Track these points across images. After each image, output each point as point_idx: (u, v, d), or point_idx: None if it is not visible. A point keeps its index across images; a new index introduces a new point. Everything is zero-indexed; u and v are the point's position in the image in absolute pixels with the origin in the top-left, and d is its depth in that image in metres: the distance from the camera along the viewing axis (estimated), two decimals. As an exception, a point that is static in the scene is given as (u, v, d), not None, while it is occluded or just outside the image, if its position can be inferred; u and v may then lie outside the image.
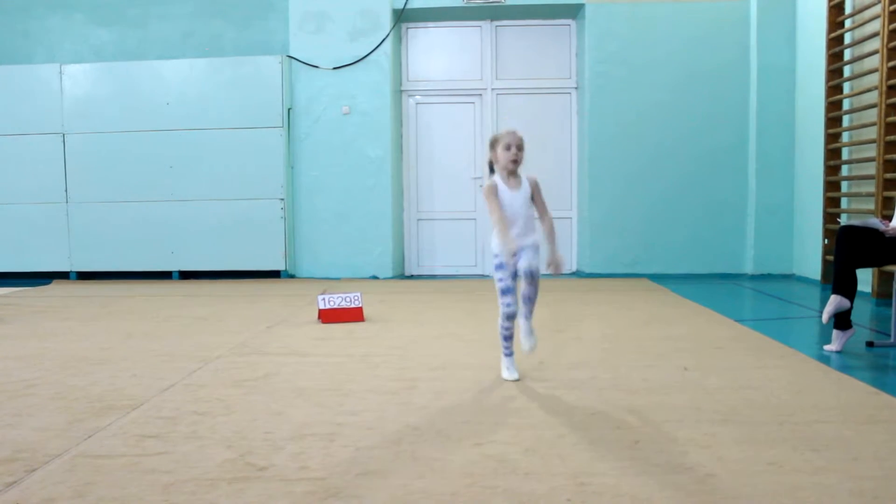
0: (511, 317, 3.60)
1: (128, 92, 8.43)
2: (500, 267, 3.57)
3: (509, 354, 3.73)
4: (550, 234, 3.64)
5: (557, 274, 3.65)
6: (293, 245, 8.56)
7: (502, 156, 3.56)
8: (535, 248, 3.58)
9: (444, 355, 4.27)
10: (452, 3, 8.46)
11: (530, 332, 3.68)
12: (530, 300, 3.60)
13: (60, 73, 8.47)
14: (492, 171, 3.68)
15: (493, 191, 3.57)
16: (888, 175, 6.06)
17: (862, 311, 5.60)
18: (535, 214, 3.64)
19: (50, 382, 3.72)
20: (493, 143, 3.61)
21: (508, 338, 3.69)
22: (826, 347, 4.31)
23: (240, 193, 8.38)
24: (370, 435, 2.84)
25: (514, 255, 3.50)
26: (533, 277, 3.50)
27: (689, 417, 3.01)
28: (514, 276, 3.58)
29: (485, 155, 3.78)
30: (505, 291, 3.57)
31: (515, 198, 3.56)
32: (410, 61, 8.98)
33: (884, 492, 2.26)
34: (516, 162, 3.56)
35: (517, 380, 3.64)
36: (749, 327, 5.06)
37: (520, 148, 3.56)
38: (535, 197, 3.63)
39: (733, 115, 8.28)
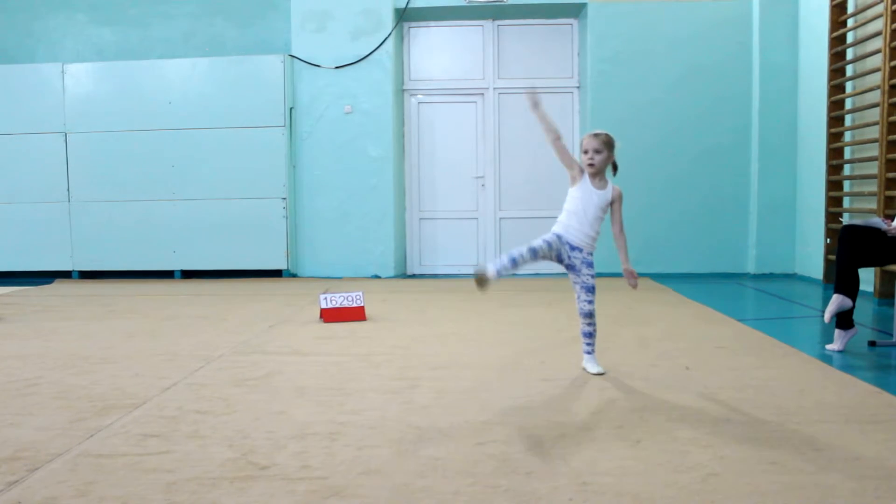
0: (533, 251, 3.57)
1: (130, 91, 8.43)
2: (548, 244, 3.63)
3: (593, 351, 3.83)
4: (624, 248, 3.78)
5: (634, 286, 3.75)
6: (295, 244, 8.57)
7: (581, 158, 3.67)
8: (587, 262, 3.69)
9: (445, 354, 4.28)
10: (454, 3, 8.46)
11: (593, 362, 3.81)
12: (588, 322, 3.74)
13: (63, 72, 8.48)
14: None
15: (577, 171, 3.69)
16: (890, 174, 6.05)
17: (864, 311, 5.60)
18: (599, 223, 3.70)
19: (52, 381, 3.72)
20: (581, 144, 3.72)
21: (593, 335, 3.81)
22: (828, 347, 4.31)
23: (242, 193, 8.38)
24: (372, 434, 2.84)
25: (536, 103, 3.60)
26: (590, 292, 3.68)
27: (691, 417, 3.01)
28: (560, 258, 3.67)
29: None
30: (534, 249, 3.58)
31: (590, 196, 3.64)
32: (412, 60, 8.98)
33: (886, 492, 2.25)
34: (592, 166, 3.62)
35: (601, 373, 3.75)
36: (751, 327, 5.05)
37: (598, 151, 3.60)
38: (615, 208, 3.71)
39: (735, 114, 8.27)
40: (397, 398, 3.35)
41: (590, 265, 3.70)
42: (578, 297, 3.72)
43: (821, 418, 2.98)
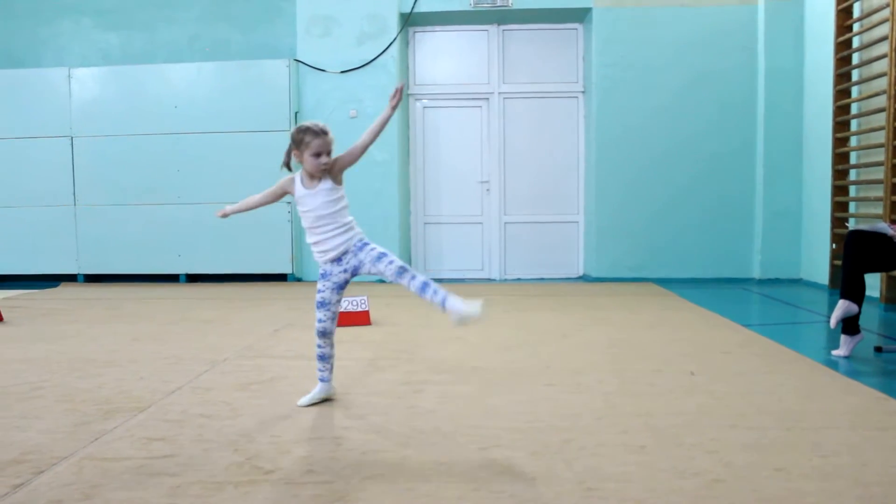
0: (323, 334, 3.28)
1: (136, 95, 8.46)
2: (322, 276, 3.26)
3: (323, 379, 3.35)
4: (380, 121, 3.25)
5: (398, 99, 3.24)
6: (300, 248, 8.57)
7: (310, 162, 3.16)
8: (355, 245, 3.18)
9: (450, 359, 4.27)
10: (459, 7, 8.47)
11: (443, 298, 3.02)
12: (402, 273, 3.08)
13: (69, 76, 8.51)
14: (287, 164, 3.29)
15: (285, 185, 3.32)
16: (896, 179, 6.03)
17: (870, 316, 5.58)
18: (345, 212, 3.24)
19: (57, 385, 3.73)
20: (299, 143, 3.16)
21: (322, 357, 3.33)
22: (834, 353, 4.30)
23: (247, 197, 8.36)
24: (376, 438, 2.84)
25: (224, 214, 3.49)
26: (378, 265, 3.10)
27: (696, 422, 3.00)
28: (340, 287, 3.23)
29: (285, 146, 3.24)
30: (319, 304, 3.27)
31: (315, 196, 3.22)
32: (417, 65, 8.99)
33: (892, 498, 2.24)
34: (328, 171, 3.19)
35: (308, 405, 3.29)
36: (756, 332, 5.04)
37: (329, 154, 3.16)
38: (338, 168, 3.23)
39: (740, 119, 8.26)
40: (402, 402, 3.35)
41: (365, 245, 3.18)
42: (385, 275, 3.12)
43: (827, 424, 2.97)
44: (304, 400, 3.33)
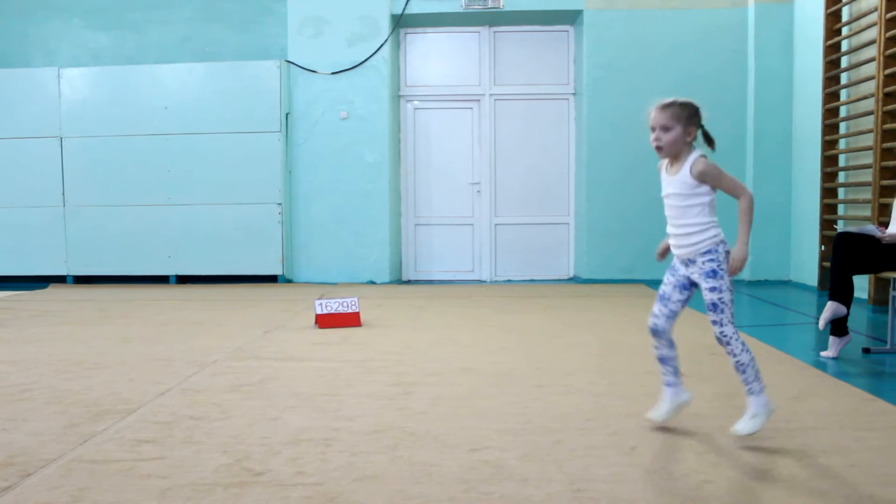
0: (653, 331, 3.00)
1: (126, 96, 8.42)
2: (669, 268, 3.00)
3: (667, 384, 2.99)
4: (741, 222, 2.93)
5: (732, 275, 2.88)
6: (290, 250, 8.56)
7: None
8: (705, 273, 2.88)
9: (441, 360, 4.27)
10: (451, 9, 8.48)
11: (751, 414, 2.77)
12: (720, 342, 2.88)
13: (59, 76, 8.47)
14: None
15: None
16: (884, 182, 6.06)
17: (858, 318, 5.61)
18: (695, 214, 2.86)
19: (46, 387, 3.71)
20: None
21: (660, 359, 3.04)
22: (822, 354, 4.32)
23: (237, 198, 8.37)
24: (367, 440, 2.84)
25: (661, 255, 2.94)
26: (708, 313, 2.86)
27: (686, 423, 3.01)
28: (683, 287, 2.96)
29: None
30: (658, 297, 3.01)
31: (666, 189, 2.88)
32: (408, 66, 9.00)
33: (881, 499, 2.26)
34: (659, 149, 2.84)
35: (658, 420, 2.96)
36: (745, 333, 5.04)
37: (666, 128, 2.79)
38: (711, 186, 2.83)
39: (730, 122, 8.28)
40: (392, 404, 3.34)
41: (710, 275, 2.88)
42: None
43: (815, 425, 2.98)
44: (655, 414, 2.96)
